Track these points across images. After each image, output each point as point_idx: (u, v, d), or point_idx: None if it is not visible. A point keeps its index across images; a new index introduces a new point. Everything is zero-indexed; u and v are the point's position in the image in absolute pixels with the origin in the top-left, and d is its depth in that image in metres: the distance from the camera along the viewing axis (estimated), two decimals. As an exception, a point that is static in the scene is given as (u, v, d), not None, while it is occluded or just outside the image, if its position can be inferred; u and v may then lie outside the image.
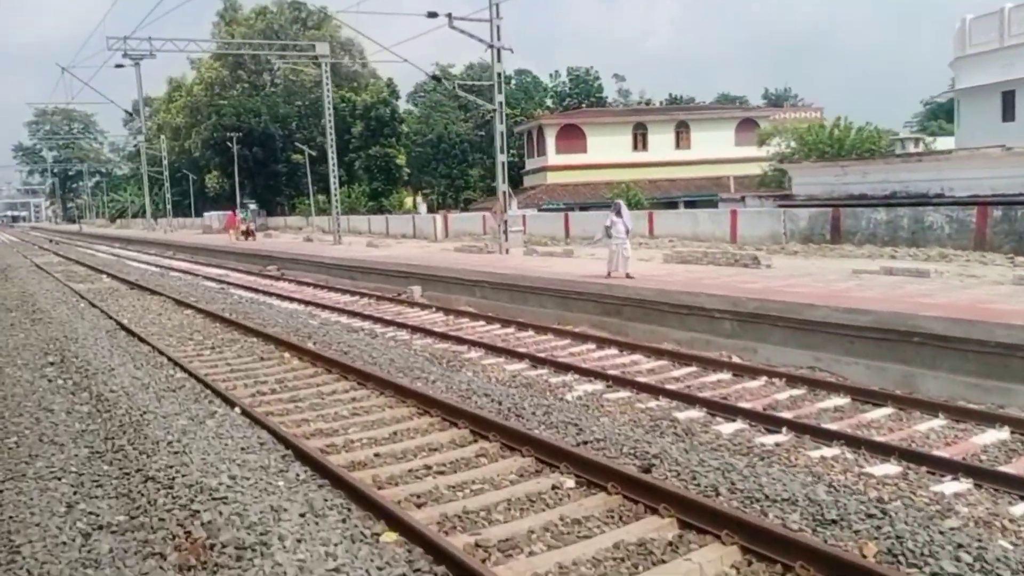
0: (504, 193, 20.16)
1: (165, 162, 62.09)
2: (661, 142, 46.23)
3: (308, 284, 20.90)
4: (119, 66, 29.67)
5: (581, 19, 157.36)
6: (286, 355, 10.43)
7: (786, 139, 38.08)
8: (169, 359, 10.01)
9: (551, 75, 61.33)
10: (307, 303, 16.70)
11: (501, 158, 19.97)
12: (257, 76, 71.04)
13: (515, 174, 54.58)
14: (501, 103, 19.45)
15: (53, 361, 10.19)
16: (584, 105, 53.86)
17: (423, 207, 42.26)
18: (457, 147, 59.14)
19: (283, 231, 47.66)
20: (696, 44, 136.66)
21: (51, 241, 55.04)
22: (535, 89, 70.11)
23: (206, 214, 61.47)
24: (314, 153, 47.85)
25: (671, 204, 41.18)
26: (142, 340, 11.50)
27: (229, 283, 21.55)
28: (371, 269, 19.89)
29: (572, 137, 45.11)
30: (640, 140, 46.36)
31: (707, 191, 44.40)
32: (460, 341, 11.37)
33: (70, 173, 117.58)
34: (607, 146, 44.76)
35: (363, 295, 17.92)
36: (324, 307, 15.93)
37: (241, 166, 52.35)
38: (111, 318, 13.96)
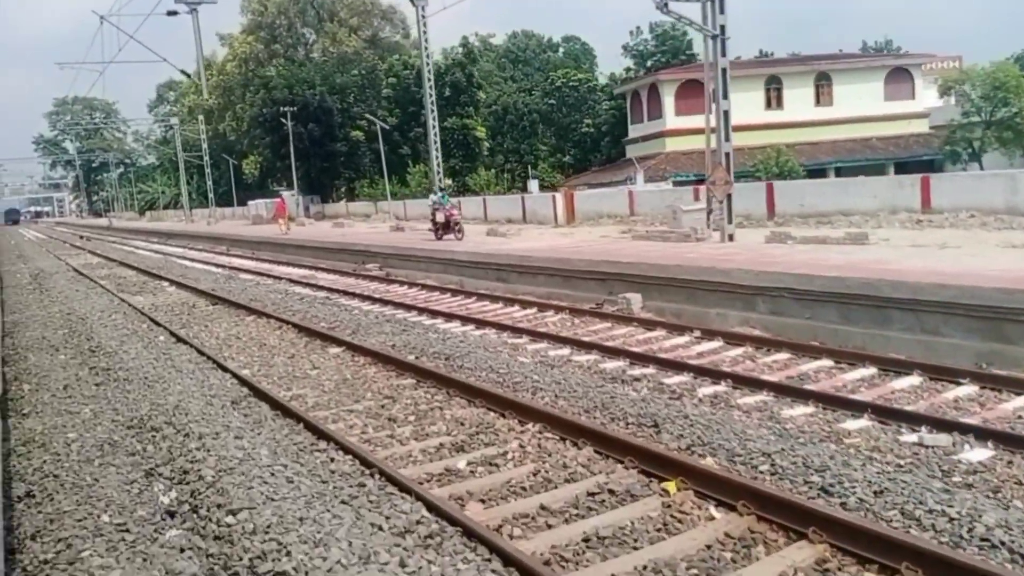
0: (727, 156, 14.99)
1: (205, 145, 58.30)
2: (798, 99, 41.53)
3: (441, 290, 16.36)
4: (172, 13, 25.09)
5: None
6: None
7: (981, 85, 32.33)
8: (419, 500, 5.16)
9: (632, 31, 56.22)
10: (481, 323, 12.22)
11: (724, 104, 14.82)
12: (293, 50, 66.96)
13: (608, 145, 50.09)
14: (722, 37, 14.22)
15: (172, 509, 5.28)
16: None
17: (534, 184, 37.14)
18: (526, 118, 54.05)
19: (346, 220, 42.90)
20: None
21: (82, 238, 51.67)
22: (584, 56, 64.97)
23: (251, 202, 57.59)
24: (387, 126, 42.94)
25: (819, 172, 35.85)
26: (317, 432, 6.62)
27: (331, 289, 17.02)
28: (538, 269, 15.11)
29: (693, 95, 39.80)
30: (774, 97, 41.72)
31: (857, 155, 39.16)
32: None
33: (94, 165, 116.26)
34: (735, 105, 38.89)
35: (545, 306, 13.54)
36: (517, 331, 11.42)
37: (296, 146, 47.82)
38: (223, 368, 9.19)
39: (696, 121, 38.96)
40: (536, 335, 11.13)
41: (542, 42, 73.15)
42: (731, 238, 15.53)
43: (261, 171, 67.59)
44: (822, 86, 41.82)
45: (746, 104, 39.81)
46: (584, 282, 14.27)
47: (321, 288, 17.77)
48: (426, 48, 25.52)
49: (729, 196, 15.52)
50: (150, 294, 17.96)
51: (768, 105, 41.23)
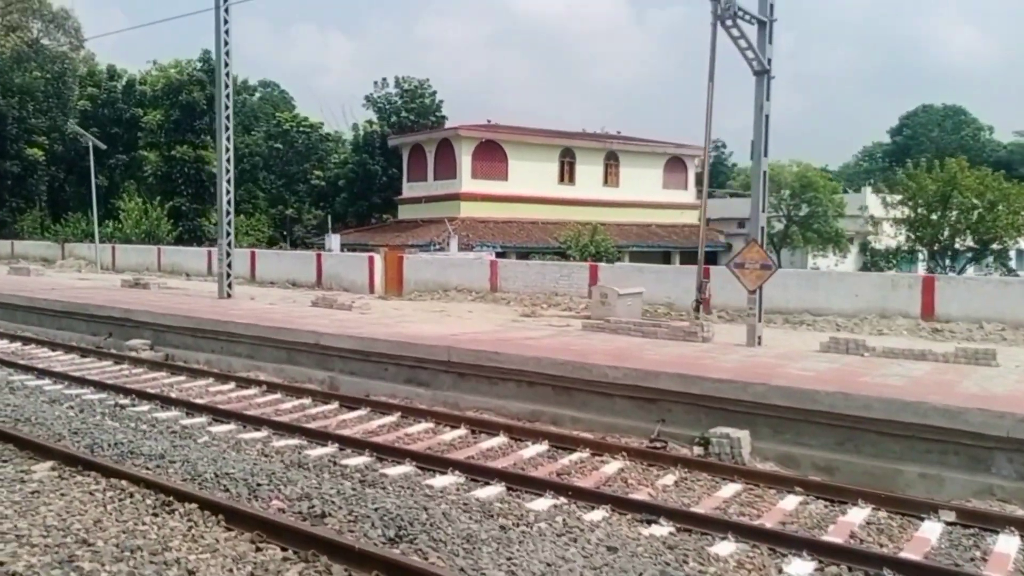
0: (762, 231, 11.59)
1: None
2: (589, 175, 41.11)
3: (314, 395, 11.56)
4: None
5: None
6: None
7: (791, 184, 34.42)
8: None
9: (376, 83, 52.59)
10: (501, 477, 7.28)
11: (763, 165, 11.50)
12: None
13: (344, 202, 47.11)
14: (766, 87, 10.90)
15: None
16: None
17: (335, 241, 30.43)
18: (246, 160, 47.73)
19: (30, 265, 31.85)
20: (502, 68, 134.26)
21: None
22: (284, 103, 61.92)
23: None
24: (101, 145, 32.98)
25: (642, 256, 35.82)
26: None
27: (91, 384, 10.25)
28: (507, 371, 11.12)
29: (491, 158, 37.98)
30: (567, 171, 40.64)
31: (643, 240, 39.47)
32: None
33: None
34: (531, 174, 38.55)
35: (562, 441, 9.18)
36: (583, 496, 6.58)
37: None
38: None
39: (493, 187, 38.10)
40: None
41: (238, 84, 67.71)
42: (760, 341, 11.89)
43: None
44: (611, 165, 41.82)
45: (541, 175, 38.86)
46: (607, 399, 9.99)
47: (63, 379, 10.63)
48: (226, 45, 18.68)
49: (760, 287, 11.82)
50: None
51: (561, 178, 40.01)
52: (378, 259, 24.34)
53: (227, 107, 18.88)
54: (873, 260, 41.12)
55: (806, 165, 39.23)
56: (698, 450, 8.96)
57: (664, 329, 13.32)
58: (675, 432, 9.31)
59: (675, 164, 44.27)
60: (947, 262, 33.72)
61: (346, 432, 9.41)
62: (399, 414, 10.36)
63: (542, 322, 16.41)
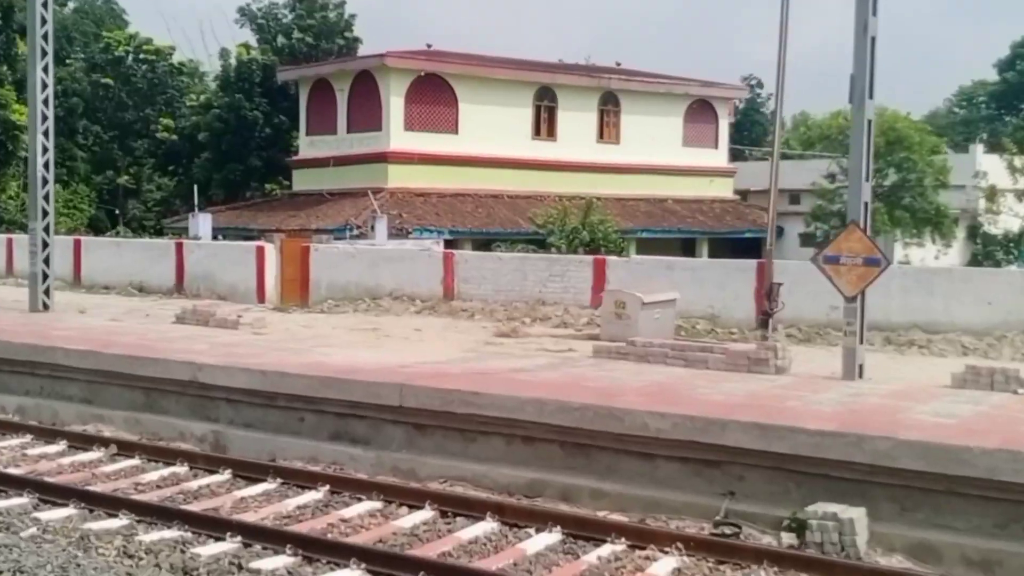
0: (865, 207, 11.78)
1: None
2: (577, 127, 41.20)
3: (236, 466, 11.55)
4: None
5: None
6: None
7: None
8: None
9: None
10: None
11: (867, 111, 11.67)
12: None
13: (208, 165, 47.41)
14: None
15: None
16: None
17: (204, 223, 29.99)
18: (62, 103, 47.46)
19: None
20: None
21: None
22: (110, 18, 61.59)
23: None
24: None
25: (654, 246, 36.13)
26: None
27: None
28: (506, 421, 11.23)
29: (434, 101, 38.08)
30: (546, 120, 40.82)
31: (657, 222, 39.99)
32: None
33: None
34: (493, 125, 38.62)
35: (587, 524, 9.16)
36: None
37: None
38: None
39: (438, 144, 38.22)
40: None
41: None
42: (862, 372, 12.26)
43: None
44: (609, 113, 42.20)
45: (507, 127, 39.19)
46: (646, 461, 10.17)
47: None
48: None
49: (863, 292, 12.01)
50: None
51: (537, 132, 40.29)
52: (271, 251, 24.39)
53: (44, 20, 18.55)
54: (987, 250, 41.98)
55: (892, 113, 39.80)
56: (788, 537, 8.97)
57: (718, 355, 13.53)
58: (751, 511, 9.36)
59: (700, 111, 44.93)
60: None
61: (250, 518, 9.29)
62: (327, 488, 10.27)
63: (530, 345, 16.65)
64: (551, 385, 11.54)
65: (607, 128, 42.20)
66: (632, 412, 10.03)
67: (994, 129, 71.93)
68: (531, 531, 9.09)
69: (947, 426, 9.52)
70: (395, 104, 36.89)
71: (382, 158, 36.97)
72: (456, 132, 38.27)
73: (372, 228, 30.12)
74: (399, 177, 36.69)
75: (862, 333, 12.63)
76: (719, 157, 45.52)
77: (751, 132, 70.42)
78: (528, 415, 10.49)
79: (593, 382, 11.81)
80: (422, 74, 37.43)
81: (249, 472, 10.85)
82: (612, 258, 22.48)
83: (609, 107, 42.15)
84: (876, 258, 12.19)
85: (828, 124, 43.00)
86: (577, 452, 10.35)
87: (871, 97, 12.42)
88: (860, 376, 12.60)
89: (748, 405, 10.46)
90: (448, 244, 30.43)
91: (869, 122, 12.45)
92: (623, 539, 8.77)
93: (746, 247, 41.39)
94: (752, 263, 19.92)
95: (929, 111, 78.12)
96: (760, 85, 74.20)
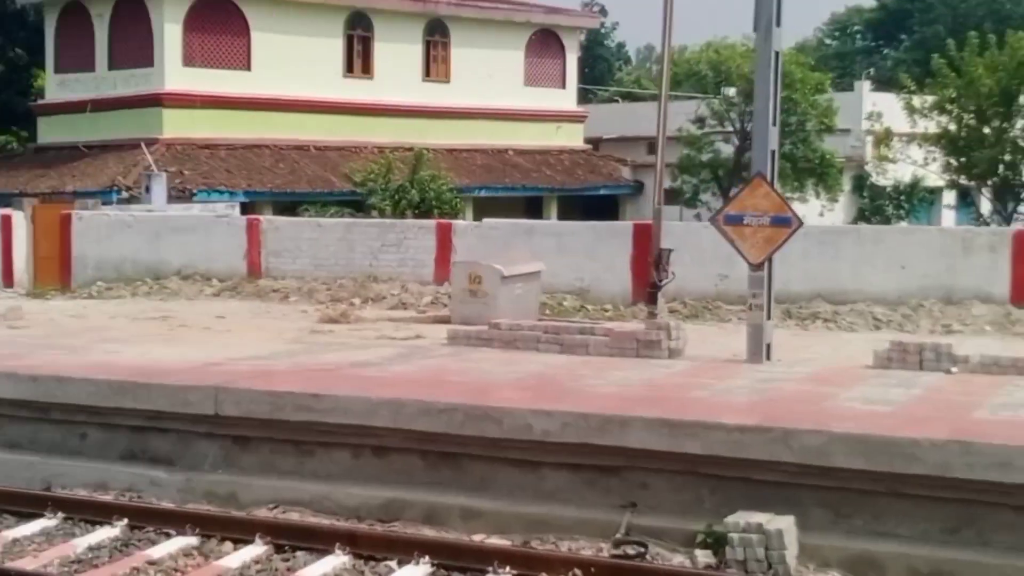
0: (772, 156, 12.35)
1: None
2: (398, 63, 41.48)
3: None
4: None
5: None
6: None
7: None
8: None
9: None
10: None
11: (773, 43, 12.25)
12: None
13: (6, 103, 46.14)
14: None
15: None
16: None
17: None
18: None
19: None
20: None
21: None
22: None
23: None
24: None
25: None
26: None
27: None
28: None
29: (219, 29, 37.59)
30: (361, 54, 40.94)
31: (498, 177, 40.75)
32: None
33: None
34: (295, 59, 38.63)
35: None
36: None
37: None
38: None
39: (225, 83, 38.21)
40: None
41: None
42: (769, 353, 12.72)
43: None
44: (436, 44, 42.51)
45: (312, 61, 39.26)
46: (529, 471, 10.44)
47: None
48: None
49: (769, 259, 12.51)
50: None
51: (350, 68, 40.40)
52: (21, 221, 23.97)
53: None
54: (875, 204, 43.84)
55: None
56: (704, 556, 9.17)
57: (600, 337, 13.75)
58: (658, 526, 9.52)
59: (545, 44, 45.66)
60: (1009, 207, 36.39)
61: (29, 565, 9.11)
62: (125, 522, 10.04)
63: (366, 332, 16.73)
64: (406, 382, 11.64)
65: (435, 64, 42.55)
66: (512, 412, 10.12)
67: (873, 63, 75.10)
68: (392, 564, 9.07)
69: (884, 415, 9.89)
70: (170, 33, 36.47)
71: (155, 101, 36.52)
72: (249, 68, 38.08)
73: (146, 190, 29.82)
74: (178, 125, 36.26)
75: (769, 307, 13.00)
76: (567, 99, 46.28)
77: (594, 70, 71.25)
78: (382, 420, 10.50)
79: (457, 376, 11.94)
80: (200, -8, 37.14)
81: (19, 505, 10.50)
82: (460, 222, 22.63)
83: (437, 38, 42.47)
84: (786, 217, 12.59)
85: (697, 59, 43.91)
86: (443, 463, 10.45)
87: (779, 24, 12.79)
88: (768, 358, 12.99)
89: (648, 398, 10.70)
90: (244, 209, 30.28)
91: (777, 54, 12.91)
92: (508, 567, 8.77)
93: (602, 206, 42.37)
94: (627, 226, 20.41)
95: (796, 43, 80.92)
96: (604, 12, 75.51)
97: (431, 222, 23.16)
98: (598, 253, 19.79)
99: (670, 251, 14.73)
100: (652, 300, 14.41)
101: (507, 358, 13.28)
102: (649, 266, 14.48)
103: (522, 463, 10.15)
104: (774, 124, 12.86)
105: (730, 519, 9.04)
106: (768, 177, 12.69)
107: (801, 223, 12.90)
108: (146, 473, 11.20)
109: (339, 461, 10.78)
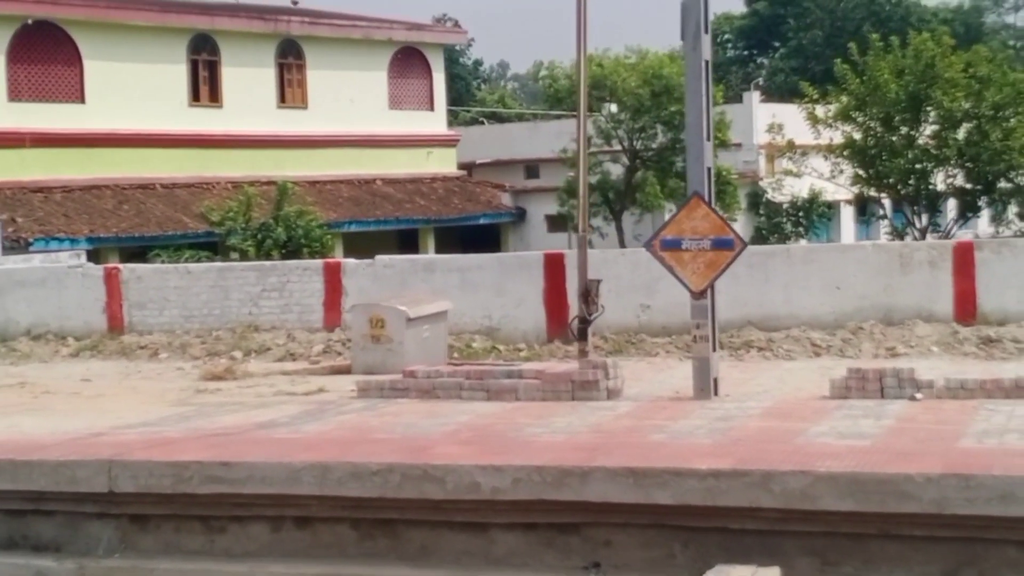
0: (708, 174, 12.57)
1: None
2: (249, 89, 41.82)
3: None
4: None
5: None
6: None
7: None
8: None
9: None
10: None
11: (703, 51, 12.32)
12: None
13: None
14: None
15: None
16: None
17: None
18: None
19: None
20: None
21: None
22: None
23: None
24: None
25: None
26: None
27: None
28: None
29: (47, 57, 37.48)
30: (208, 80, 41.16)
31: (365, 213, 41.23)
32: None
33: None
34: (133, 88, 38.75)
35: None
36: None
37: None
38: None
39: (57, 117, 38.00)
40: None
41: None
42: (716, 388, 12.87)
43: None
44: (290, 67, 42.88)
45: (153, 90, 39.30)
46: (477, 535, 10.36)
47: None
48: None
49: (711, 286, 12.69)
50: None
51: (195, 95, 40.48)
52: None
53: None
54: (772, 222, 44.78)
55: (656, 56, 41.92)
56: None
57: (531, 381, 13.75)
58: None
59: (409, 62, 46.42)
60: (921, 218, 37.35)
61: None
62: None
63: (259, 388, 16.66)
64: (326, 442, 11.46)
65: (290, 88, 43.00)
66: (456, 469, 9.91)
67: (748, 73, 76.78)
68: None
69: (863, 450, 9.93)
70: (-8, 63, 36.08)
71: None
72: (83, 101, 37.98)
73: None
74: (6, 167, 35.68)
75: (715, 338, 13.01)
76: (437, 121, 46.98)
77: (451, 90, 71.79)
78: (306, 488, 10.22)
79: (382, 432, 11.85)
80: (29, 21, 36.71)
81: None
82: (350, 261, 22.40)
83: (290, 59, 42.94)
84: (728, 239, 12.74)
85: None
86: (378, 532, 10.28)
87: (707, 31, 12.89)
88: (716, 393, 13.06)
89: (603, 445, 10.68)
90: (88, 257, 29.65)
91: (707, 63, 13.00)
92: None
93: (482, 236, 42.72)
94: (538, 256, 20.40)
95: (668, 50, 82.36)
96: (458, 24, 75.78)
97: (317, 262, 23.09)
98: (507, 288, 19.89)
99: (598, 282, 14.72)
100: (583, 336, 14.36)
101: (430, 409, 13.23)
102: (578, 299, 14.44)
103: (469, 526, 10.00)
104: (708, 139, 13.00)
105: (707, 575, 9.00)
106: (706, 197, 12.78)
107: (745, 245, 13.13)
108: (30, 563, 10.79)
109: (256, 536, 10.50)
